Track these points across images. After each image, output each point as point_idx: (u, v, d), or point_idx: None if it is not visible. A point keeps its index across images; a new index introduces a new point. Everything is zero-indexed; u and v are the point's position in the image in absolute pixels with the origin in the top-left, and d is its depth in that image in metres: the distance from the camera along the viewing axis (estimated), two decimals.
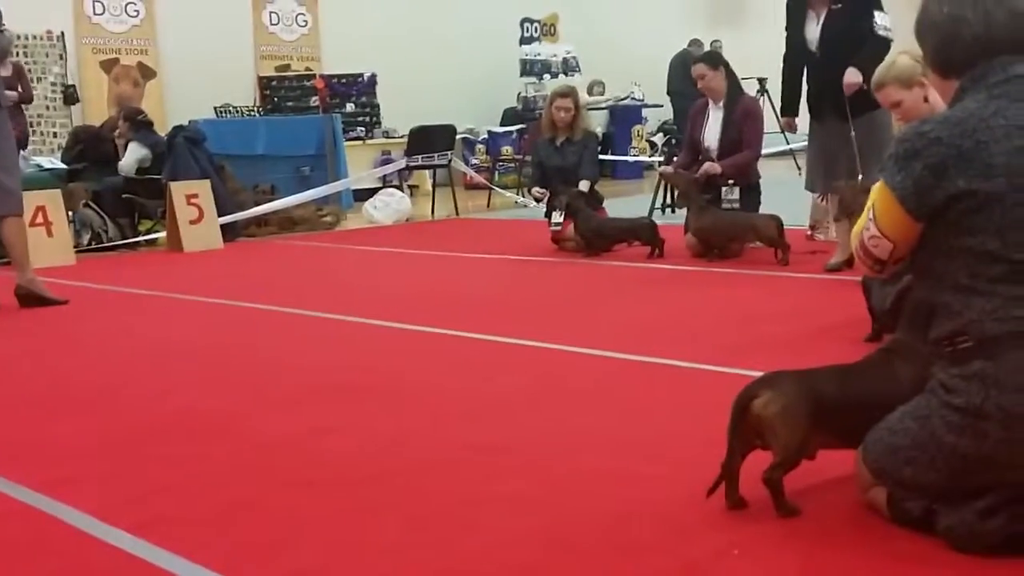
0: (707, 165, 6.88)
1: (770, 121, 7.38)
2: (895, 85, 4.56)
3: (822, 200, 6.78)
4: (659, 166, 8.84)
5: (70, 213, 8.54)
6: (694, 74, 7.13)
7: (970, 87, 2.27)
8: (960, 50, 2.28)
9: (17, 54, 10.77)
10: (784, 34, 6.26)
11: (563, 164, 7.69)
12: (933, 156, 2.19)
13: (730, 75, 7.07)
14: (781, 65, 6.39)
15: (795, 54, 6.20)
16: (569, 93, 7.88)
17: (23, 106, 10.08)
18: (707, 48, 14.07)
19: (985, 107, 2.21)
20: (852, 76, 5.66)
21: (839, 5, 5.88)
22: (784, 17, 6.24)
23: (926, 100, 4.46)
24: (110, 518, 2.65)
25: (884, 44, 5.73)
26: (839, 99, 5.76)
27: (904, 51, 4.61)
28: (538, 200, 8.00)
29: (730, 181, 6.88)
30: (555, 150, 7.75)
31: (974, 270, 2.17)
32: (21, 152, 8.34)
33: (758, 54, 6.99)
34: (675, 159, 7.88)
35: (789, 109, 6.43)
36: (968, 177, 2.16)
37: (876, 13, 5.79)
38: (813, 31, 6.01)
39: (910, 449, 2.24)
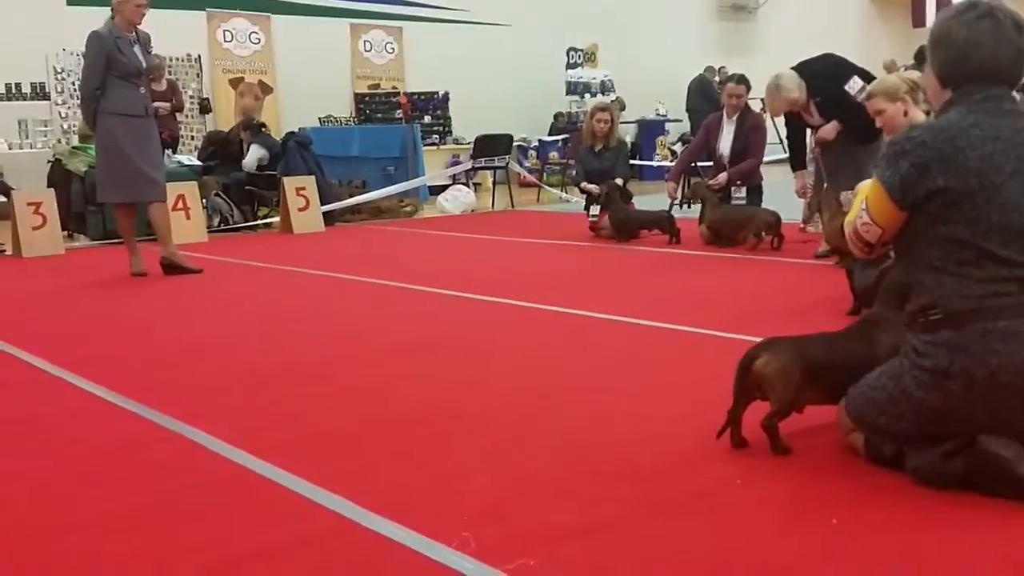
0: (720, 176, 6.88)
1: (770, 134, 7.27)
2: (882, 97, 4.48)
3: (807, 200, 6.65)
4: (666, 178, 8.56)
5: (204, 201, 8.65)
6: (731, 93, 7.05)
7: (957, 101, 2.22)
8: (967, 69, 2.20)
9: (170, 73, 10.90)
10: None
11: (602, 167, 7.67)
12: (918, 156, 2.15)
13: None
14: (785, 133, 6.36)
15: (795, 128, 6.19)
16: (607, 108, 7.93)
17: (176, 115, 10.21)
18: (718, 73, 13.91)
19: (964, 119, 2.16)
20: (830, 132, 5.64)
21: (818, 98, 5.79)
22: (781, 51, 6.11)
23: (905, 114, 4.39)
24: (236, 442, 2.70)
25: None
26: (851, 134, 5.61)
27: (897, 73, 4.51)
28: (588, 193, 7.85)
29: (738, 182, 6.87)
30: (595, 155, 7.75)
31: (946, 254, 2.13)
32: (168, 152, 8.46)
33: (762, 79, 6.87)
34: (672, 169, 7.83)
35: (799, 165, 6.24)
36: (947, 176, 2.12)
37: (846, 87, 5.61)
38: (814, 120, 5.90)
39: (885, 402, 2.22)
